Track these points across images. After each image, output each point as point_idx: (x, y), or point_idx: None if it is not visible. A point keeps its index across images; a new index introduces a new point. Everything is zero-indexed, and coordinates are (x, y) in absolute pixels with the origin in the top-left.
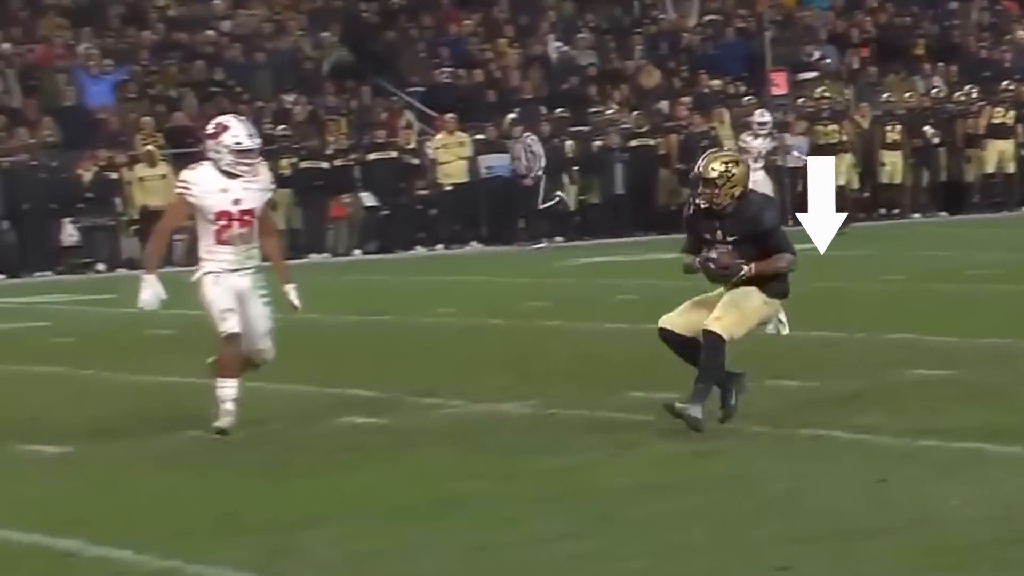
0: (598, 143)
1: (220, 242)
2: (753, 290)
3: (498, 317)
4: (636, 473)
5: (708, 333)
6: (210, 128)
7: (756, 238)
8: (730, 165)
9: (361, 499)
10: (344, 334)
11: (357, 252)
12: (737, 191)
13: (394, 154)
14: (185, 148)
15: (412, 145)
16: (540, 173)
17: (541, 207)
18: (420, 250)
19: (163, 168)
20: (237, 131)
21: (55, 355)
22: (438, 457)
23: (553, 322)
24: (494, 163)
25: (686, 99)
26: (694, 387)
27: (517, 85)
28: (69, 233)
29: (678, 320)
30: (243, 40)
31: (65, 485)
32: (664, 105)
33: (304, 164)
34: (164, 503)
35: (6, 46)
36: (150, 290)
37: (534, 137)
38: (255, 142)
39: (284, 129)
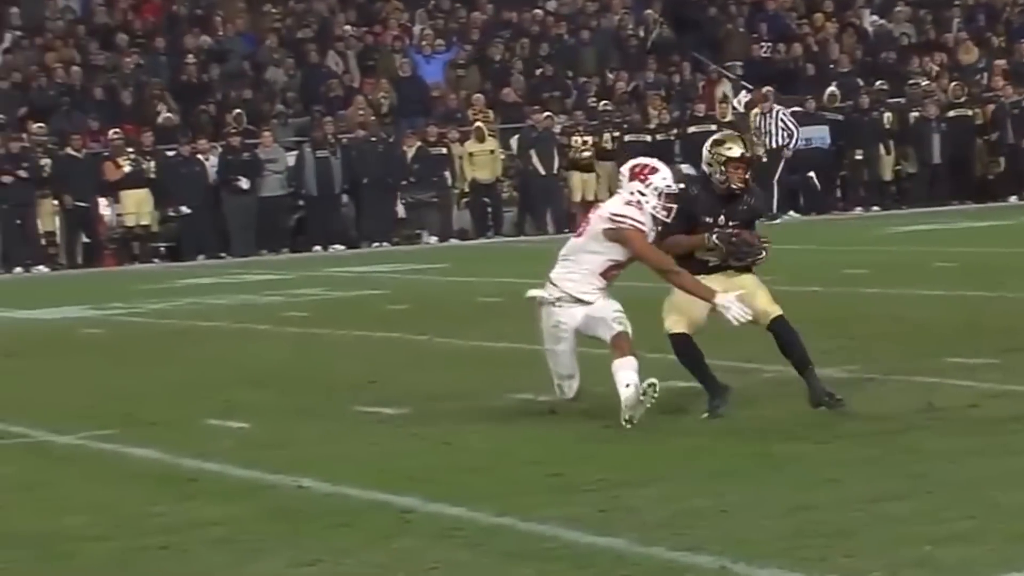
0: (915, 114)
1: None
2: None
3: (817, 284)
4: (955, 436)
5: (780, 319)
6: (636, 167)
7: (749, 224)
8: (748, 147)
9: (685, 460)
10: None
11: None
12: (750, 174)
13: (713, 127)
14: (513, 124)
15: (729, 118)
16: (792, 147)
17: (787, 179)
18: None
19: (491, 144)
20: (665, 174)
21: (391, 321)
22: (759, 419)
23: (872, 289)
24: (811, 134)
25: (1001, 66)
26: (809, 378)
27: (836, 58)
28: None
29: (686, 321)
30: (569, 19)
31: (402, 445)
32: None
33: (628, 138)
34: (496, 463)
35: (347, 28)
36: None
37: (786, 111)
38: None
39: (606, 104)
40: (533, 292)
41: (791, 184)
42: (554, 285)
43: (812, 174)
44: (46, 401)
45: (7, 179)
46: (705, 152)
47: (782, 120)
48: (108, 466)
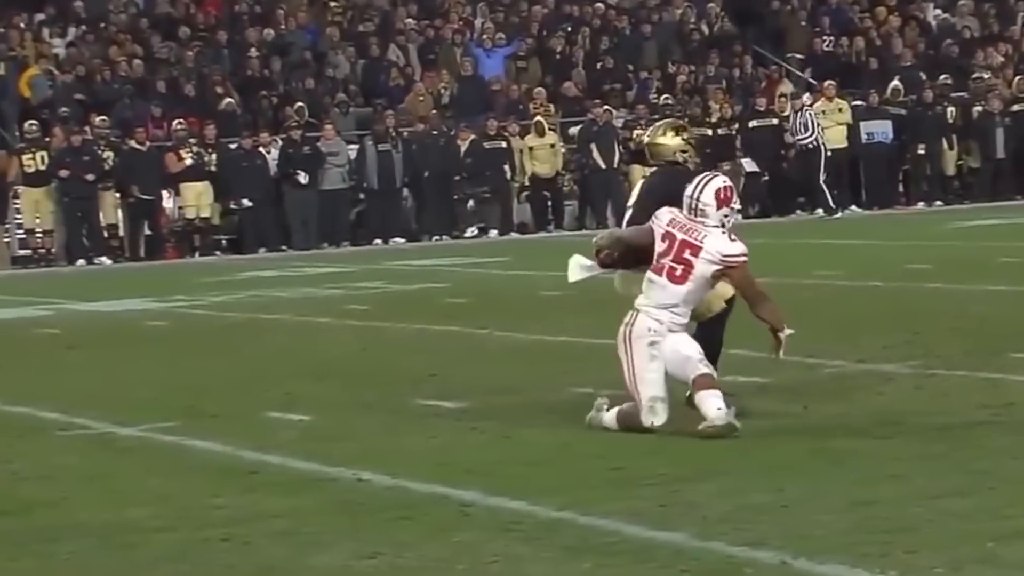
0: (978, 108)
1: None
2: None
3: (880, 279)
4: (1019, 433)
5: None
6: (721, 192)
7: None
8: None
9: (745, 455)
10: None
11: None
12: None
13: (774, 121)
14: (574, 117)
15: (787, 112)
16: (818, 143)
17: (822, 185)
18: (799, 214)
19: (551, 138)
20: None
21: (452, 315)
22: (821, 415)
23: (935, 284)
24: (875, 129)
25: None
26: None
27: (899, 52)
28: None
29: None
30: (630, 12)
31: (462, 439)
32: None
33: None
34: (556, 457)
35: (408, 22)
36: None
37: (812, 111)
38: None
39: (667, 98)
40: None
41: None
42: (658, 322)
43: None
44: (109, 393)
45: (63, 173)
46: (678, 140)
47: (808, 118)
48: (170, 458)
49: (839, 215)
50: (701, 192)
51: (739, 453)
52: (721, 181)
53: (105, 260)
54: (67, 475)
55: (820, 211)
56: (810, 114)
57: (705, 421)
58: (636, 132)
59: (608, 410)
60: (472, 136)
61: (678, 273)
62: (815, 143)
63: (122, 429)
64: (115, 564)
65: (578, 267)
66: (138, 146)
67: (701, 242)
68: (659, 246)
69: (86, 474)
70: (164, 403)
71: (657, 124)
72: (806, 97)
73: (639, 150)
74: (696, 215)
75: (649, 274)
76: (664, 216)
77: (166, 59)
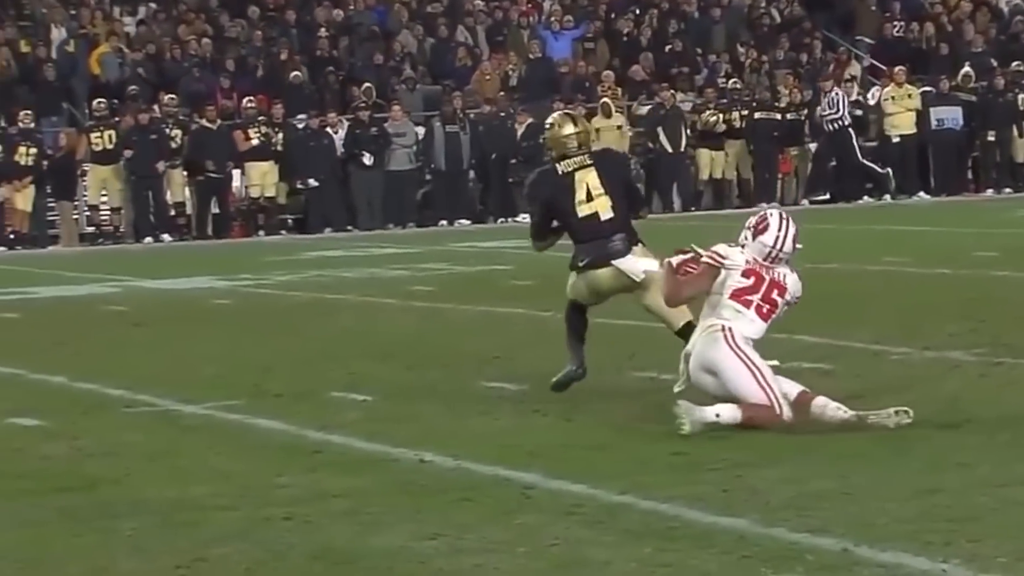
0: None
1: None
2: None
3: (947, 266)
4: None
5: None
6: (759, 225)
7: None
8: (547, 127)
9: (808, 442)
10: None
11: (804, 202)
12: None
13: None
14: (641, 101)
15: (855, 97)
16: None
17: (863, 162)
18: (867, 200)
19: (618, 119)
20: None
21: (516, 297)
22: (885, 402)
23: (1002, 272)
24: (944, 115)
25: None
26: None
27: (969, 38)
28: None
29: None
30: None
31: (525, 421)
32: None
33: (757, 115)
34: (618, 441)
35: (478, 3)
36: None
37: (843, 94)
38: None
39: (735, 82)
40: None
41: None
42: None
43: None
44: (174, 371)
45: (128, 153)
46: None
47: (838, 100)
48: (234, 437)
49: (893, 186)
50: (783, 242)
51: (802, 440)
52: (795, 226)
53: (166, 237)
54: (131, 452)
55: (887, 196)
56: (840, 95)
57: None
58: (704, 115)
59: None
60: (530, 119)
61: (764, 311)
62: (842, 122)
63: (187, 407)
64: (177, 541)
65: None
66: (208, 124)
67: (785, 283)
68: (741, 282)
69: (150, 451)
70: (229, 381)
71: (555, 115)
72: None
73: (705, 133)
74: (775, 262)
75: (734, 303)
76: (738, 257)
77: (235, 38)
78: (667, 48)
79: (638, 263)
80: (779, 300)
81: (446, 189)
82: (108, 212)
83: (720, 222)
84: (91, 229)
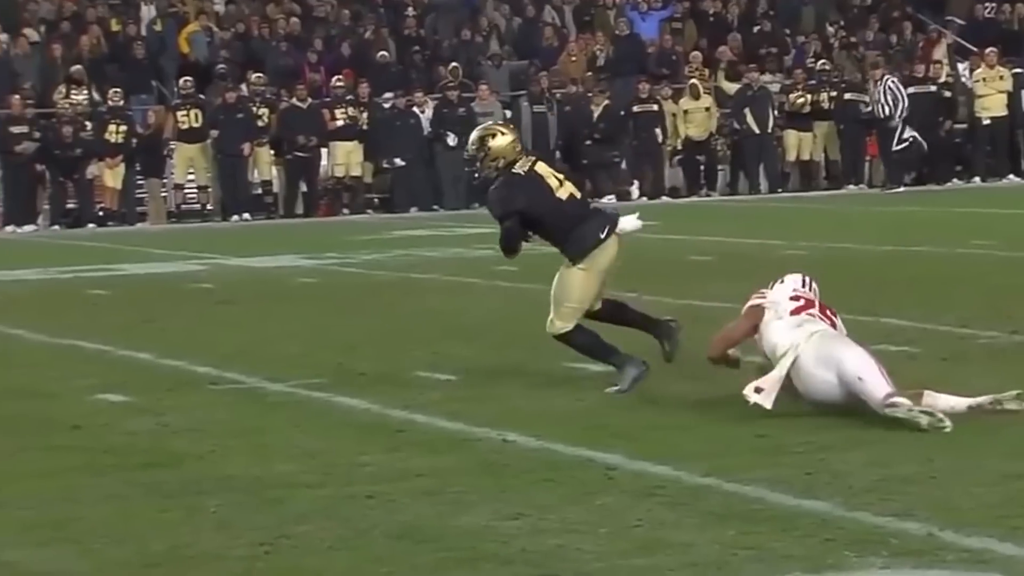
0: None
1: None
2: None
3: None
4: None
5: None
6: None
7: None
8: (487, 138)
9: (893, 425)
10: (880, 263)
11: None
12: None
13: (932, 88)
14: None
15: (943, 79)
16: (901, 116)
17: (896, 149)
18: (956, 183)
19: (706, 101)
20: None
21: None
22: (972, 386)
23: None
24: None
25: None
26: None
27: None
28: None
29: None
30: None
31: (608, 402)
32: None
33: (847, 96)
34: (702, 423)
35: None
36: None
37: (894, 79)
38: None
39: (824, 63)
40: None
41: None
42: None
43: (916, 135)
44: (259, 348)
45: (214, 132)
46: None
47: (889, 89)
48: (319, 414)
49: (900, 190)
50: (810, 282)
51: (887, 423)
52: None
53: (246, 215)
54: (216, 429)
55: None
56: (891, 84)
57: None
58: (792, 96)
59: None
60: (606, 101)
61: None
62: (884, 111)
63: (272, 384)
64: (262, 518)
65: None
66: (299, 103)
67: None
68: (792, 304)
69: (235, 428)
70: (314, 360)
71: (486, 127)
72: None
73: (792, 114)
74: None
75: (801, 316)
76: (779, 290)
77: (323, 17)
78: (755, 29)
79: (629, 219)
80: (835, 320)
81: None
82: (195, 190)
83: (807, 203)
84: (178, 207)
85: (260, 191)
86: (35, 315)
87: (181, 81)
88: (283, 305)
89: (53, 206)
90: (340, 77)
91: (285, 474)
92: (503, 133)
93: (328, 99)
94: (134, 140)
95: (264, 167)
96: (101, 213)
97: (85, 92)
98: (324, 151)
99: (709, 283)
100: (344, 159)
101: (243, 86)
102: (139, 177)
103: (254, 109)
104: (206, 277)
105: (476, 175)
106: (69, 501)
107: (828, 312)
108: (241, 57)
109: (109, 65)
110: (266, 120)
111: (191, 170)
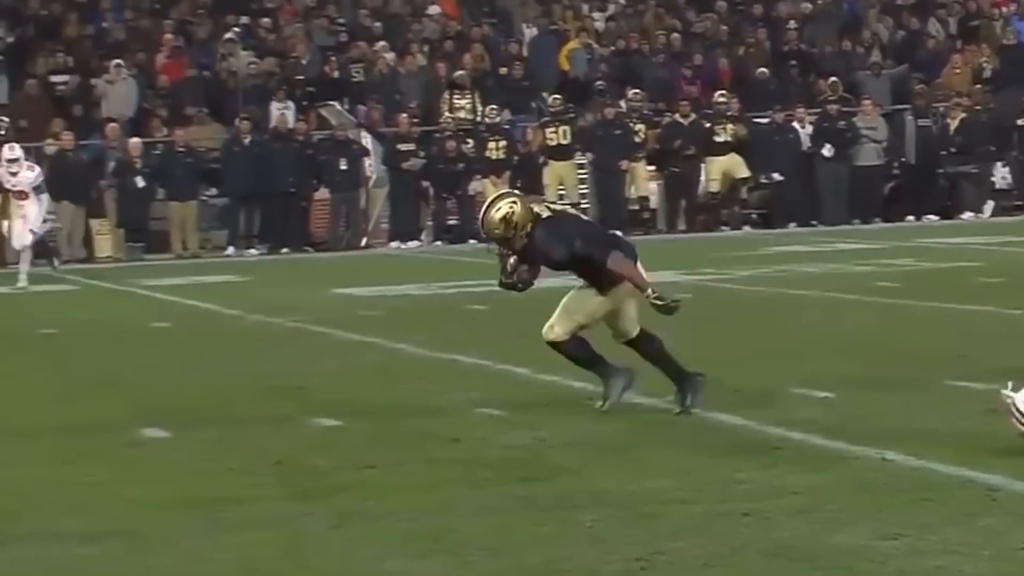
0: None
1: None
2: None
3: None
4: None
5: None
6: None
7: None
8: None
9: None
10: None
11: None
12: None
13: None
14: None
15: None
16: None
17: None
18: None
19: None
20: None
21: (984, 294)
22: None
23: None
24: None
25: None
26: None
27: None
28: (1002, 176)
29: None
30: None
31: (989, 421)
32: None
33: None
34: None
35: None
36: None
37: None
38: None
39: None
40: None
41: None
42: None
43: None
44: (633, 365)
45: (578, 149)
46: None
47: None
48: (692, 431)
49: None
50: None
51: None
52: None
53: (618, 232)
54: (591, 444)
55: None
56: None
57: None
58: None
59: None
60: (963, 114)
61: None
62: None
63: (646, 400)
64: (635, 534)
65: None
66: (680, 119)
67: None
68: None
69: (609, 444)
70: None
71: (495, 208)
72: None
73: None
74: None
75: None
76: None
77: (701, 33)
78: None
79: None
80: None
81: (915, 183)
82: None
83: None
84: None
85: (637, 207)
86: (417, 329)
87: (550, 99)
88: (658, 321)
89: (436, 222)
90: (723, 93)
91: (659, 490)
92: (512, 201)
93: (710, 112)
94: (515, 157)
95: (641, 183)
96: None
97: (468, 97)
98: (702, 166)
99: None
100: (718, 174)
101: (621, 102)
102: None
103: (631, 125)
104: None
105: (512, 253)
106: (447, 513)
107: None
108: (619, 73)
109: (490, 81)
110: (643, 136)
111: (561, 187)
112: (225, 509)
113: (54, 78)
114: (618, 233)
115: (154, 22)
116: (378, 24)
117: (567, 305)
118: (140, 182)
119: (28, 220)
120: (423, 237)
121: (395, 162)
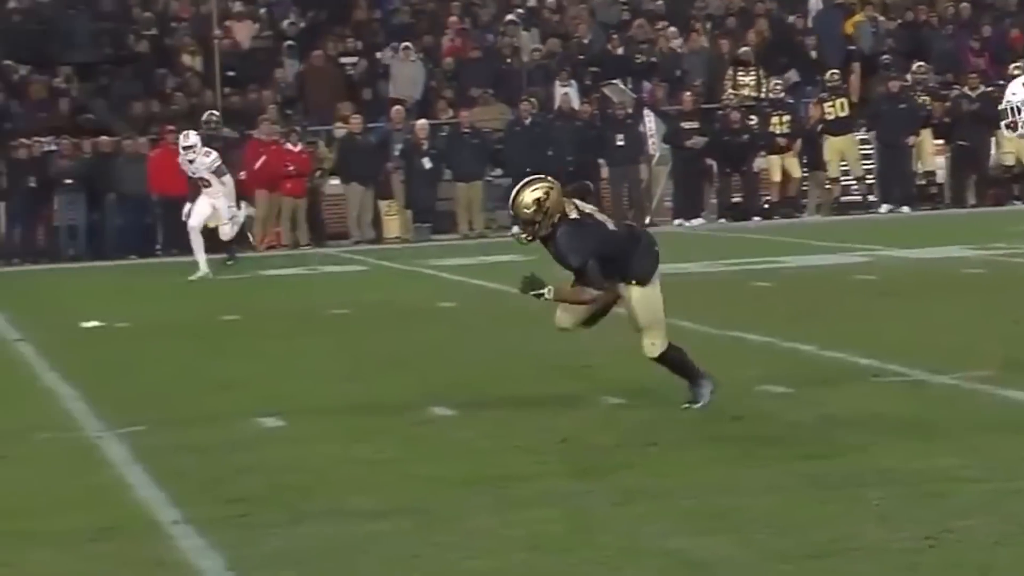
0: None
1: None
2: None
3: None
4: None
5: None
6: None
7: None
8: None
9: None
10: None
11: None
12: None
13: None
14: None
15: None
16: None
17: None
18: None
19: None
20: None
21: None
22: None
23: None
24: None
25: None
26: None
27: None
28: None
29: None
30: None
31: None
32: None
33: None
34: None
35: None
36: None
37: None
38: None
39: None
40: None
41: None
42: None
43: None
44: (922, 340)
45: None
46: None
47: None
48: (983, 408)
49: None
50: None
51: None
52: None
53: (905, 209)
54: (878, 421)
55: None
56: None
57: None
58: None
59: None
60: None
61: None
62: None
63: (935, 377)
64: (923, 512)
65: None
66: (969, 91)
67: None
68: None
69: (897, 421)
70: (978, 352)
71: (530, 189)
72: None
73: None
74: None
75: None
76: None
77: (991, 3)
78: None
79: None
80: None
81: None
82: (853, 182)
83: None
84: (836, 199)
85: (924, 182)
86: (701, 307)
87: (827, 73)
88: (947, 296)
89: (720, 199)
90: (1019, 65)
91: (947, 468)
92: (549, 187)
93: (1001, 84)
94: (799, 132)
95: (928, 158)
96: (766, 206)
97: (753, 73)
98: (992, 140)
99: None
100: (1013, 148)
101: (907, 76)
102: (804, 170)
103: (917, 99)
104: (868, 269)
105: (532, 238)
106: (730, 491)
107: None
108: (906, 46)
109: (776, 58)
110: (928, 109)
111: (843, 163)
112: (511, 486)
113: (343, 59)
114: (643, 229)
115: (440, 5)
116: (660, 2)
117: (641, 319)
118: (427, 163)
119: (220, 212)
120: (706, 214)
121: (678, 140)
